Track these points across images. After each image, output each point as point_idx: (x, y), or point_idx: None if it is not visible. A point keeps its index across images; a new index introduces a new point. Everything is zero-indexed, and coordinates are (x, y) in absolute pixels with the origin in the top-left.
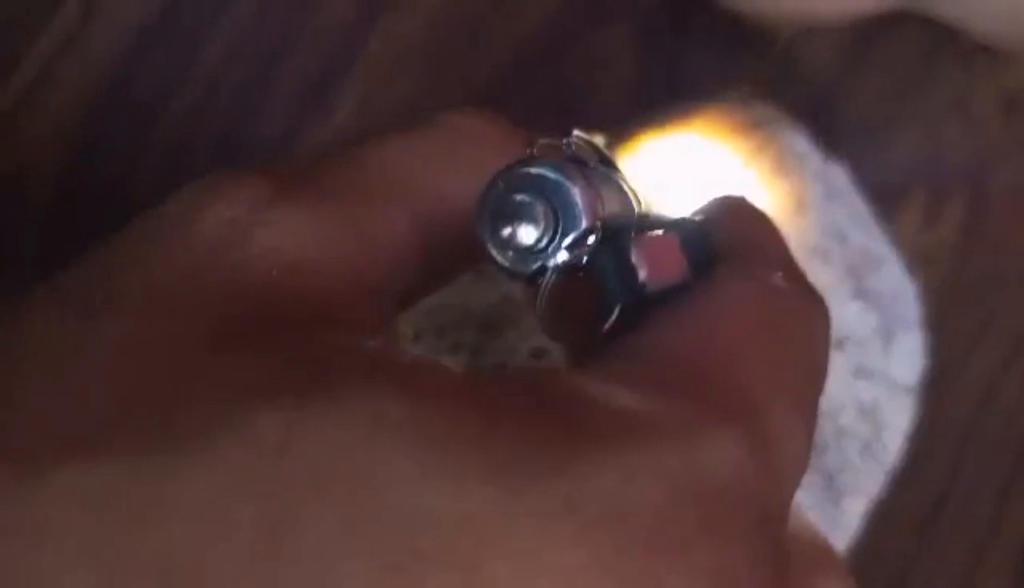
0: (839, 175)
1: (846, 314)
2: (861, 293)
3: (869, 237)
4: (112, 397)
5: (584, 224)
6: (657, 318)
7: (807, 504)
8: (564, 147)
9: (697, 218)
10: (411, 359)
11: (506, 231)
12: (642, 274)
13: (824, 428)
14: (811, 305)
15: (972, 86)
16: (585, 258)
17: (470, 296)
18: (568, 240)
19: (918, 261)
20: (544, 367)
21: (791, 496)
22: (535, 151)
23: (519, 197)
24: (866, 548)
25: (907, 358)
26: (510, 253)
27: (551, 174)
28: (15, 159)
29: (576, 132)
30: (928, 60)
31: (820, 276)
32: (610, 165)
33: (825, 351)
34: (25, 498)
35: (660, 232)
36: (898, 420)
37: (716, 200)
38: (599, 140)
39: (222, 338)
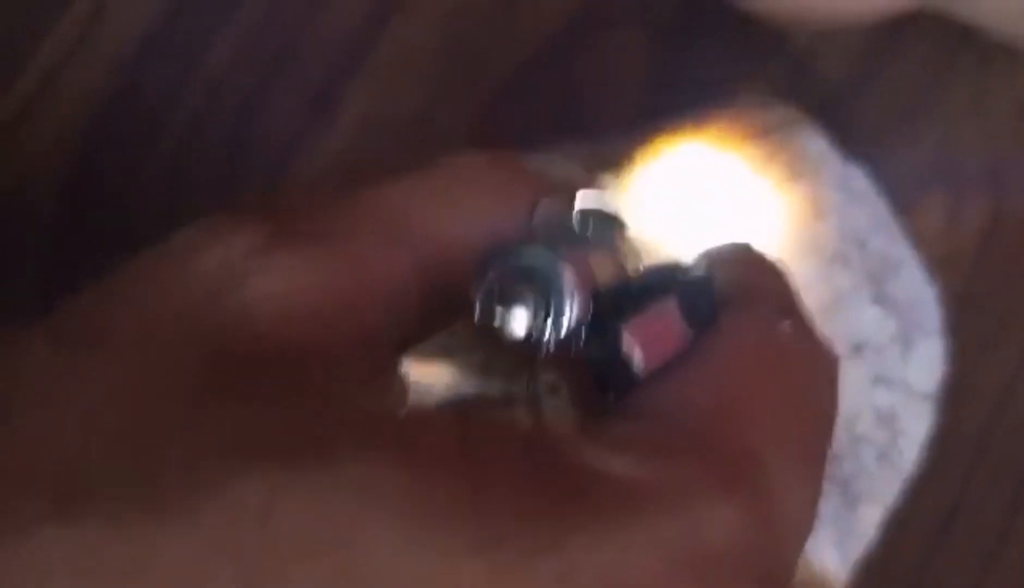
0: (859, 178)
1: (865, 320)
2: (880, 298)
3: (889, 241)
4: (99, 447)
5: (575, 315)
6: (661, 373)
7: (823, 512)
8: (562, 217)
9: (702, 266)
10: (404, 416)
11: (498, 318)
12: (636, 361)
13: (841, 435)
14: (818, 354)
15: (989, 89)
16: (577, 346)
17: None
18: (559, 331)
19: (936, 265)
20: (552, 410)
21: (797, 554)
22: (536, 213)
23: (511, 287)
24: (878, 556)
25: (926, 365)
26: (502, 336)
27: (543, 266)
28: (19, 165)
29: (581, 194)
30: (944, 63)
31: (839, 281)
32: (613, 222)
33: (833, 401)
34: (6, 554)
35: (657, 306)
36: (915, 427)
37: (723, 246)
38: (602, 197)
39: (213, 389)
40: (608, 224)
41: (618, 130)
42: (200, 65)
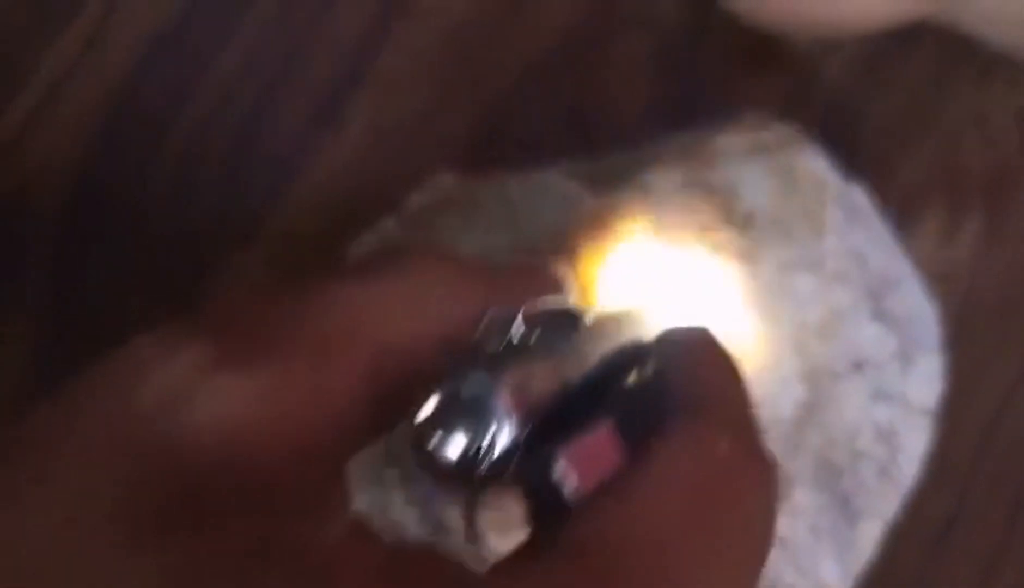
0: (859, 196)
1: (865, 337)
2: (880, 315)
3: (888, 259)
4: None
5: (508, 442)
6: (593, 499)
7: (823, 527)
8: (508, 327)
9: (653, 360)
10: (334, 547)
11: (432, 443)
12: (569, 486)
13: (841, 451)
14: (756, 475)
15: (989, 101)
16: (511, 470)
17: None
18: (492, 458)
19: (935, 278)
20: (478, 544)
21: None
22: (483, 329)
23: (446, 412)
24: (877, 569)
25: (925, 381)
26: (436, 461)
27: (478, 394)
28: (25, 172)
29: (532, 302)
30: (945, 76)
31: (839, 298)
32: (565, 321)
33: (770, 523)
34: None
35: (594, 427)
36: (914, 443)
37: (679, 332)
38: (555, 299)
39: (150, 526)
40: (560, 323)
41: (619, 146)
42: (205, 74)
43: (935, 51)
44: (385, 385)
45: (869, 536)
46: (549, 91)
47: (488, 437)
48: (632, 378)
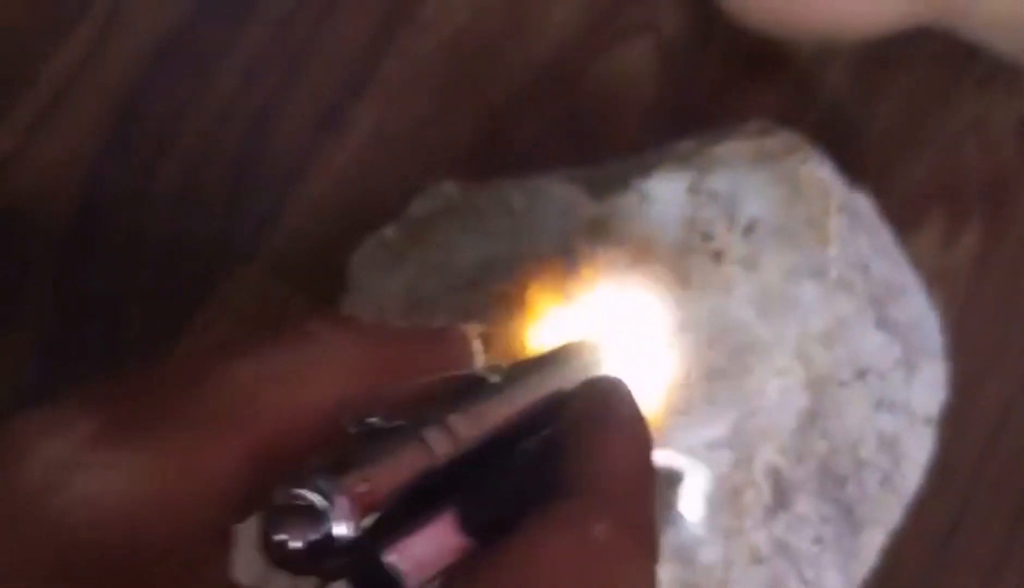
0: (863, 204)
1: (869, 346)
2: (883, 323)
3: (892, 266)
4: None
5: (347, 539)
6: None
7: (827, 537)
8: (383, 411)
9: (532, 447)
10: None
11: (277, 536)
12: (404, 579)
13: (844, 460)
14: (632, 561)
15: (989, 109)
16: (349, 566)
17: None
18: (331, 553)
19: (936, 283)
20: None
21: None
22: (349, 413)
23: (290, 508)
24: (882, 572)
25: (928, 389)
26: (282, 552)
27: (321, 491)
28: (30, 182)
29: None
30: (945, 83)
31: (843, 306)
32: (463, 396)
33: None
34: None
35: (433, 522)
36: (917, 451)
37: (591, 392)
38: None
39: None
40: (454, 394)
41: (621, 153)
42: (208, 83)
43: (934, 58)
44: (271, 459)
45: (872, 545)
46: (550, 99)
47: (326, 531)
48: (508, 454)
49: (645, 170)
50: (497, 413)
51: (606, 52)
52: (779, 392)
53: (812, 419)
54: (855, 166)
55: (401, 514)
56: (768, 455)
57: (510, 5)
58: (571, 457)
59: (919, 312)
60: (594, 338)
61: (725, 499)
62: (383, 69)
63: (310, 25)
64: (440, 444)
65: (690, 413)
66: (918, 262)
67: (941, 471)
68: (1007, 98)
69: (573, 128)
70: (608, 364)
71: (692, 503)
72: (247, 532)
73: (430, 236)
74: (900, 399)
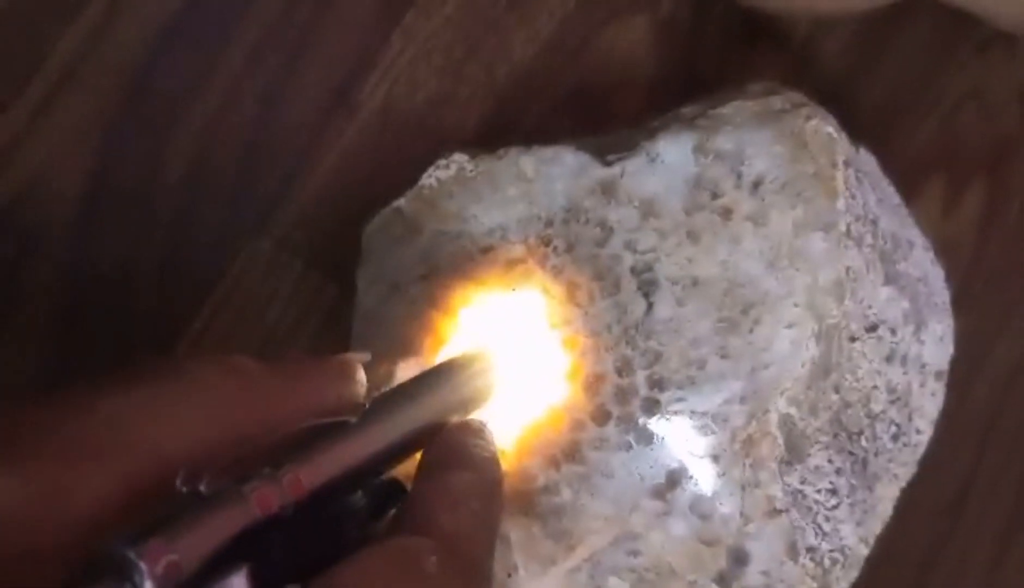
0: (868, 160)
1: (878, 299)
2: (892, 278)
3: (898, 222)
4: None
5: None
6: None
7: (842, 490)
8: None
9: (361, 501)
10: None
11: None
12: None
13: (857, 413)
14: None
15: (988, 76)
16: None
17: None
18: None
19: (939, 250)
20: None
21: None
22: (182, 477)
23: (104, 567)
24: (896, 534)
25: (937, 344)
26: None
27: (126, 556)
28: (38, 164)
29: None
30: (943, 51)
31: (852, 260)
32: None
33: None
34: None
35: (225, 577)
36: (928, 406)
37: (447, 432)
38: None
39: None
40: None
41: (626, 122)
42: (214, 64)
43: (932, 27)
44: (144, 488)
45: (887, 499)
46: (555, 76)
47: None
48: (350, 496)
49: (652, 133)
50: (343, 459)
51: (606, 26)
52: (791, 343)
53: (824, 371)
54: (855, 136)
55: (207, 572)
56: (782, 406)
57: None
58: (415, 494)
59: (926, 268)
60: (483, 349)
61: (740, 452)
62: (389, 49)
63: (316, 5)
64: (266, 501)
65: (704, 368)
66: (923, 229)
67: (951, 432)
68: (1006, 65)
69: (578, 104)
70: (498, 375)
71: (704, 478)
72: None
73: (443, 206)
74: (911, 353)
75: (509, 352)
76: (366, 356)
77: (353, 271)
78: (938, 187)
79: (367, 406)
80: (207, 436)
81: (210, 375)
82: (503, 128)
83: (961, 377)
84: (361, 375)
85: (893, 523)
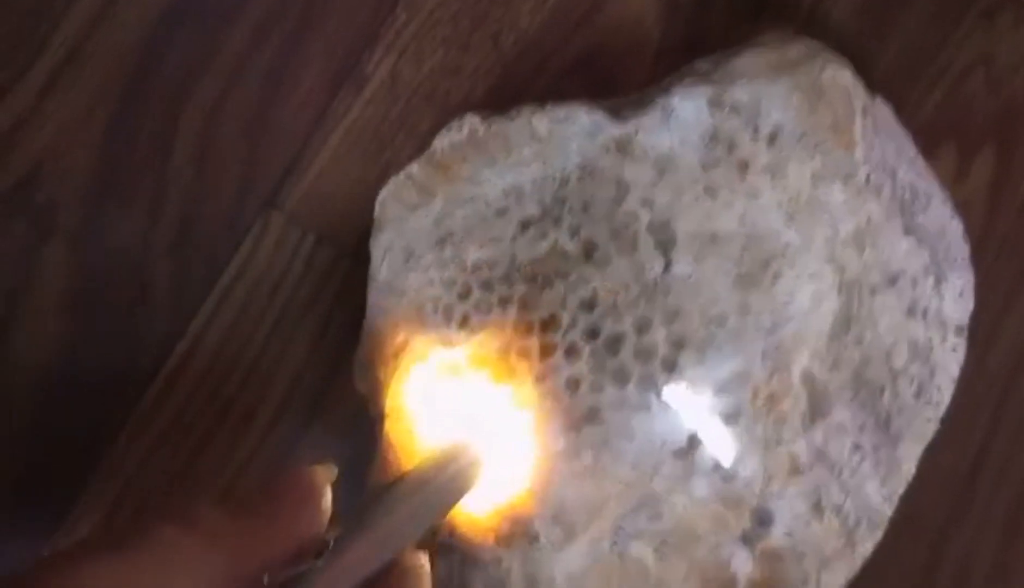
0: (884, 111)
1: (898, 251)
2: (911, 230)
3: (916, 174)
4: None
5: None
6: None
7: (866, 447)
8: None
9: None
10: None
11: None
12: None
13: (879, 369)
14: None
15: (996, 42)
16: None
17: (517, 249)
18: None
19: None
20: None
21: None
22: None
23: None
24: (911, 502)
25: (957, 299)
26: None
27: None
28: (45, 145)
29: None
30: (950, 19)
31: (872, 209)
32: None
33: None
34: None
35: None
36: (950, 362)
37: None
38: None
39: None
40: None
41: (633, 91)
42: (223, 39)
43: None
44: None
45: (910, 457)
46: (562, 44)
47: None
48: None
49: (666, 89)
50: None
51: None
52: (811, 297)
53: (846, 324)
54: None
55: None
56: (804, 361)
57: None
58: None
59: (944, 221)
60: (465, 444)
61: (762, 409)
62: (394, 21)
63: None
64: None
65: (724, 325)
66: None
67: (969, 395)
68: (1013, 31)
69: (585, 73)
70: (479, 472)
71: (726, 437)
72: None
73: (456, 169)
74: (932, 307)
75: (475, 449)
76: (332, 472)
77: (365, 245)
78: (948, 155)
79: (331, 544)
80: None
81: (177, 537)
82: (511, 98)
83: (976, 343)
84: (327, 502)
85: (908, 492)
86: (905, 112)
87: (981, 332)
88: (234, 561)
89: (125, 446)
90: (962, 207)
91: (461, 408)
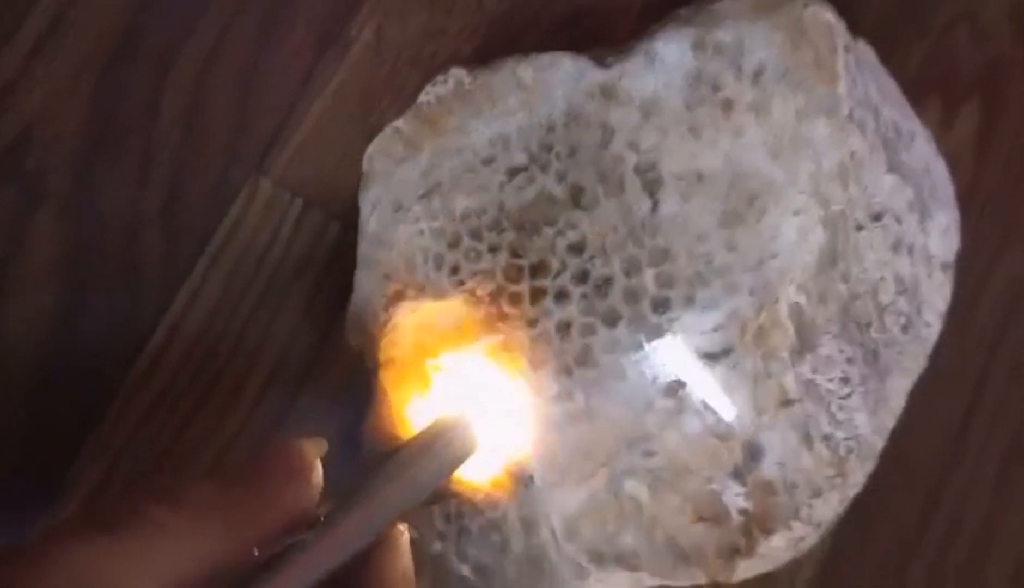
0: (867, 52)
1: (883, 187)
2: (895, 167)
3: (899, 112)
4: None
5: None
6: None
7: (854, 379)
8: None
9: None
10: None
11: None
12: None
13: (866, 304)
14: None
15: None
16: None
17: (505, 197)
18: None
19: None
20: None
21: None
22: None
23: None
24: (900, 457)
25: (943, 235)
26: None
27: None
28: (34, 109)
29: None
30: None
31: (855, 144)
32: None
33: None
34: None
35: None
36: (936, 298)
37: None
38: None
39: None
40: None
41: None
42: (207, 4)
43: None
44: None
45: (899, 391)
46: (546, 6)
47: None
48: None
49: (651, 35)
50: (304, 577)
51: None
52: (797, 231)
53: (832, 259)
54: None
55: None
56: (791, 295)
57: None
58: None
59: (929, 159)
60: (459, 416)
61: (751, 344)
62: None
63: None
64: None
65: (712, 263)
66: None
67: (954, 356)
68: None
69: (570, 32)
70: (473, 444)
71: (717, 372)
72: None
73: (443, 122)
74: (917, 244)
75: (473, 418)
76: (322, 446)
77: (354, 208)
78: (933, 109)
79: (321, 519)
80: (171, 579)
81: (165, 516)
82: (496, 59)
83: (964, 297)
84: (317, 475)
85: (897, 447)
86: (890, 66)
87: (970, 283)
88: (223, 537)
89: (113, 423)
90: (948, 160)
91: (454, 366)
